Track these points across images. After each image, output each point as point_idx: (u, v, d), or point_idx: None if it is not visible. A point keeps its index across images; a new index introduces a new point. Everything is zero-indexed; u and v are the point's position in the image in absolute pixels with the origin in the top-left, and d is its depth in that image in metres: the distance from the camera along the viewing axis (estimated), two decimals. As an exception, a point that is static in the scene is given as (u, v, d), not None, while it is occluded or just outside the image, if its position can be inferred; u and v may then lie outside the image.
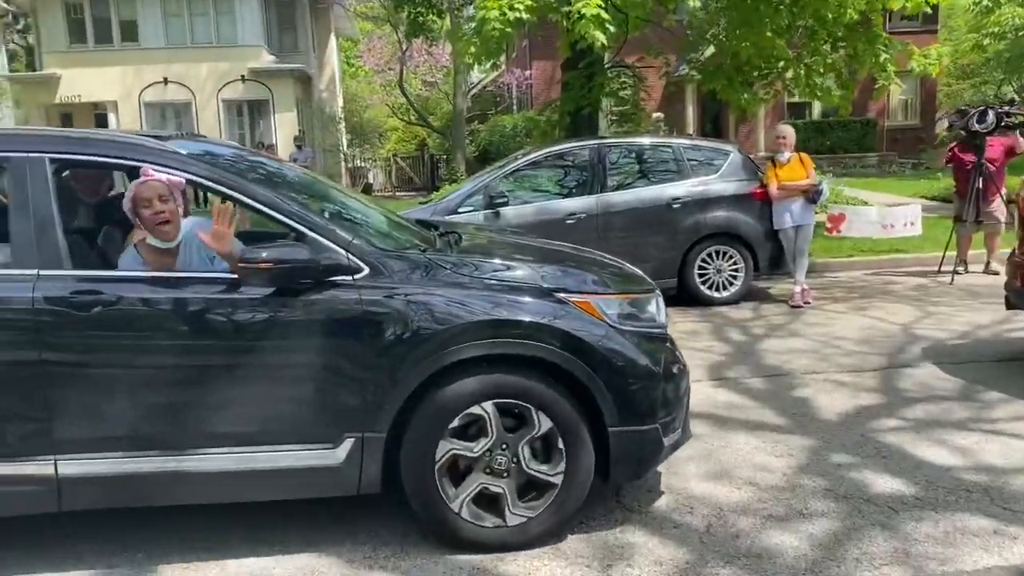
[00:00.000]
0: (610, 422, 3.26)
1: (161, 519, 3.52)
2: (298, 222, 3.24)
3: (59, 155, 3.21)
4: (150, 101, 23.82)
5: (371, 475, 3.22)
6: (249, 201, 3.24)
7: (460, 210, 7.78)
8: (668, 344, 3.57)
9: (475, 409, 3.21)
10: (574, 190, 8.25)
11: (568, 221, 7.83)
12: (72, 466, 3.09)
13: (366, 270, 3.21)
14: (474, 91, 26.29)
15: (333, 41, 28.94)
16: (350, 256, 3.21)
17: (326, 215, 3.42)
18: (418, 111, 25.78)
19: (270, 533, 3.47)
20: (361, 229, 3.51)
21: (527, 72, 25.13)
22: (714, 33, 10.80)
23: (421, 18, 15.22)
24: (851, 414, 4.86)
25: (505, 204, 7.74)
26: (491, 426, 3.23)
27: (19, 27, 31.56)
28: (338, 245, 3.22)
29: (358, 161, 29.05)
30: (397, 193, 25.15)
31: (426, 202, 9.40)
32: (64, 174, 3.86)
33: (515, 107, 27.63)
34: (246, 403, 3.15)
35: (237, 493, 3.26)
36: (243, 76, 23.60)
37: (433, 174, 25.78)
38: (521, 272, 3.40)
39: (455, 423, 3.21)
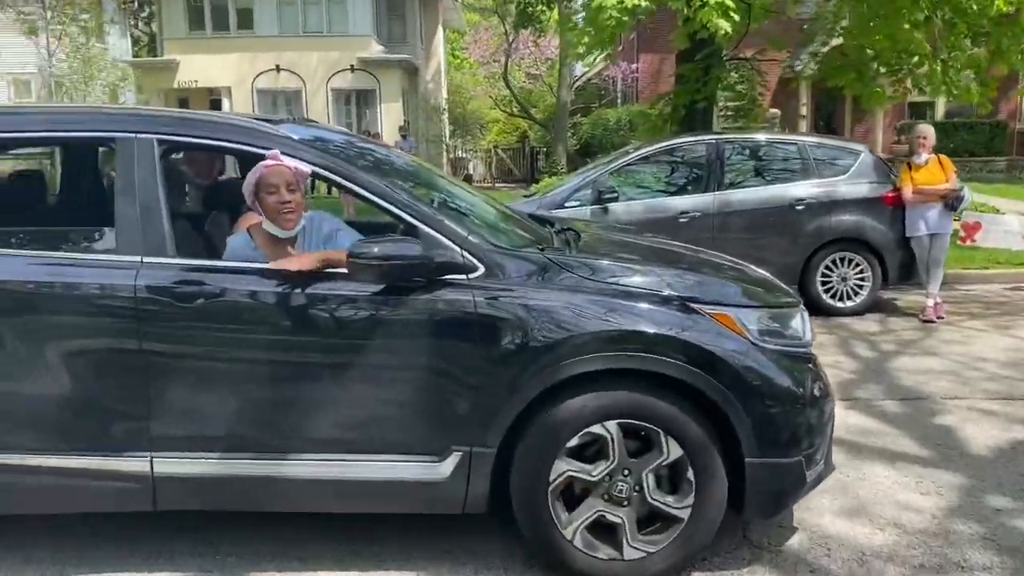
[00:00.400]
0: (748, 452, 2.89)
1: (253, 524, 3.34)
2: (411, 214, 2.99)
3: (167, 136, 3.05)
4: (262, 88, 24.35)
5: (478, 493, 2.95)
6: (360, 190, 3.02)
7: (567, 205, 7.47)
8: (813, 365, 3.17)
9: (596, 428, 2.90)
10: (688, 187, 7.83)
11: (681, 220, 7.42)
12: (168, 464, 2.93)
13: (481, 269, 2.94)
14: (578, 84, 25.90)
15: (440, 32, 29.03)
16: (465, 253, 2.94)
17: (438, 207, 3.16)
18: (521, 103, 25.59)
19: (366, 547, 3.24)
20: (475, 224, 3.24)
21: (633, 65, 24.58)
22: (844, 25, 10.12)
23: (530, 8, 14.94)
24: (1006, 449, 4.33)
25: (615, 200, 7.40)
26: (613, 448, 2.91)
27: (144, 15, 32.89)
28: (452, 241, 2.95)
29: (459, 152, 29.11)
30: (496, 184, 25.04)
31: (530, 195, 9.13)
32: (172, 157, 3.73)
33: (619, 101, 27.11)
34: (348, 407, 2.93)
35: (333, 503, 3.04)
36: (352, 66, 23.86)
37: (532, 166, 25.57)
38: (651, 278, 3.06)
39: (573, 442, 2.91)
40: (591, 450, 2.95)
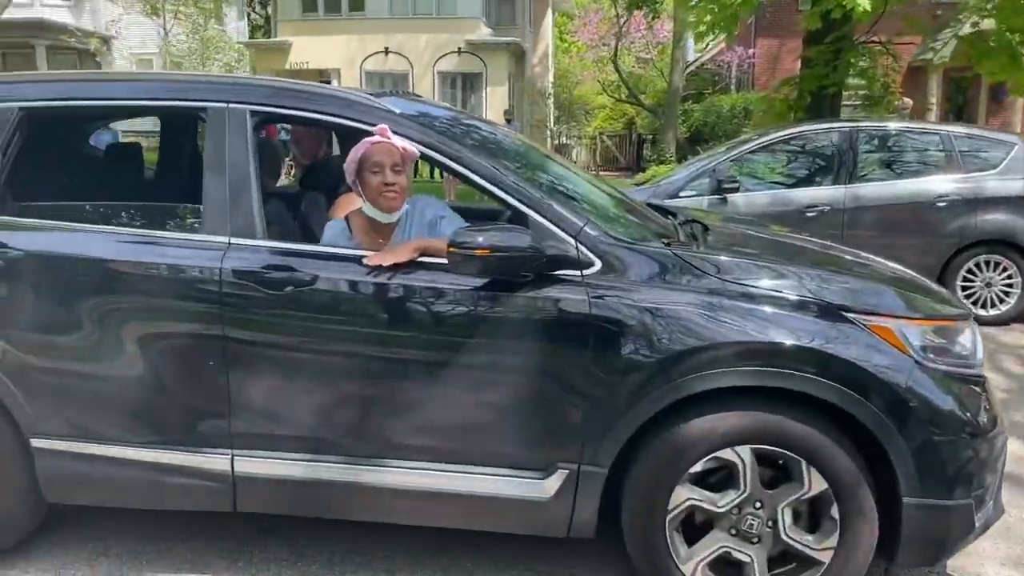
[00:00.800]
0: (906, 491, 2.45)
1: (337, 531, 3.09)
2: (520, 200, 2.66)
3: (261, 107, 2.80)
4: (370, 70, 24.51)
5: (585, 516, 2.61)
6: (464, 171, 2.70)
7: (682, 194, 6.99)
8: (983, 389, 2.68)
9: (726, 453, 2.51)
10: (816, 179, 7.22)
11: (808, 214, 6.84)
12: (249, 464, 2.70)
13: (598, 264, 2.58)
14: (690, 69, 24.99)
15: (550, 15, 28.63)
16: (580, 246, 2.59)
17: (551, 193, 2.81)
18: (630, 88, 24.91)
19: (456, 561, 2.95)
20: (592, 213, 2.88)
21: (750, 50, 23.54)
22: (993, 5, 9.20)
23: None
24: None
25: (736, 190, 6.88)
26: (744, 477, 2.52)
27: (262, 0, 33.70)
28: (566, 232, 2.61)
29: (563, 138, 28.66)
30: (600, 173, 24.51)
31: (641, 183, 8.67)
32: (273, 134, 3.52)
33: (733, 87, 26.09)
34: (443, 413, 2.63)
35: (424, 516, 2.76)
36: (459, 48, 23.74)
37: (638, 154, 24.89)
38: (795, 281, 2.64)
39: (698, 467, 2.53)
40: (718, 477, 2.57)
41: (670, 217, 3.51)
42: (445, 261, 2.53)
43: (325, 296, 2.63)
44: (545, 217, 2.63)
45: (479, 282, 2.56)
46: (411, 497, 2.67)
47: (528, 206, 2.65)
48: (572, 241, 2.60)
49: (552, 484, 2.59)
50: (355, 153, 2.78)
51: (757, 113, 14.15)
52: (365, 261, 2.63)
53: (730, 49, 24.63)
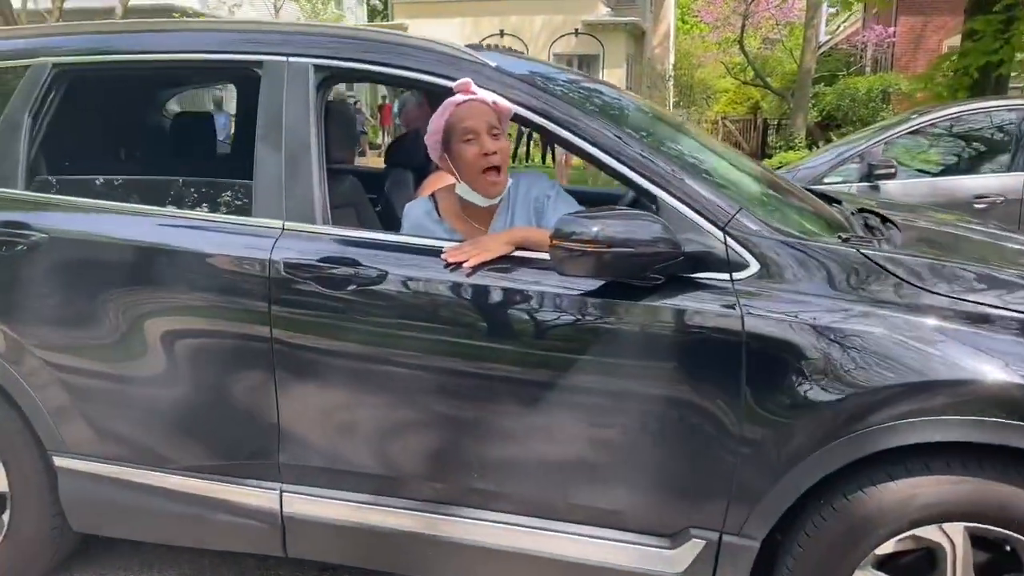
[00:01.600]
0: None
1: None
2: (649, 178, 2.02)
3: (328, 61, 2.26)
4: (486, 53, 24.12)
5: (725, 600, 1.96)
6: (578, 141, 2.08)
7: (827, 180, 6.14)
8: None
9: (928, 531, 1.82)
10: (986, 165, 6.22)
11: (976, 205, 5.86)
12: (301, 503, 2.18)
13: (754, 266, 1.92)
14: (822, 50, 23.42)
15: (672, -6, 27.46)
16: (730, 241, 1.93)
17: (690, 169, 2.14)
18: (757, 70, 23.56)
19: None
20: (743, 196, 2.21)
21: (890, 29, 21.81)
22: None
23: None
24: None
25: (891, 176, 5.97)
26: (953, 565, 1.82)
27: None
28: (712, 221, 1.96)
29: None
30: (723, 159, 23.25)
31: (775, 168, 7.79)
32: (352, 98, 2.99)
33: (868, 68, 24.32)
34: (538, 453, 2.03)
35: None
36: (576, 30, 23.03)
37: (763, 140, 23.52)
38: (1032, 295, 1.90)
39: (887, 547, 1.85)
40: (912, 559, 1.88)
41: (834, 205, 2.78)
42: (546, 256, 1.93)
43: (397, 298, 2.06)
44: (683, 200, 1.98)
45: (591, 286, 1.95)
46: (496, 559, 2.08)
47: (659, 186, 2.00)
48: (719, 234, 1.94)
49: (682, 556, 1.96)
50: (437, 120, 2.19)
51: (915, 94, 12.78)
52: (444, 256, 2.05)
53: (867, 28, 22.96)
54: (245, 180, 2.25)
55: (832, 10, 26.94)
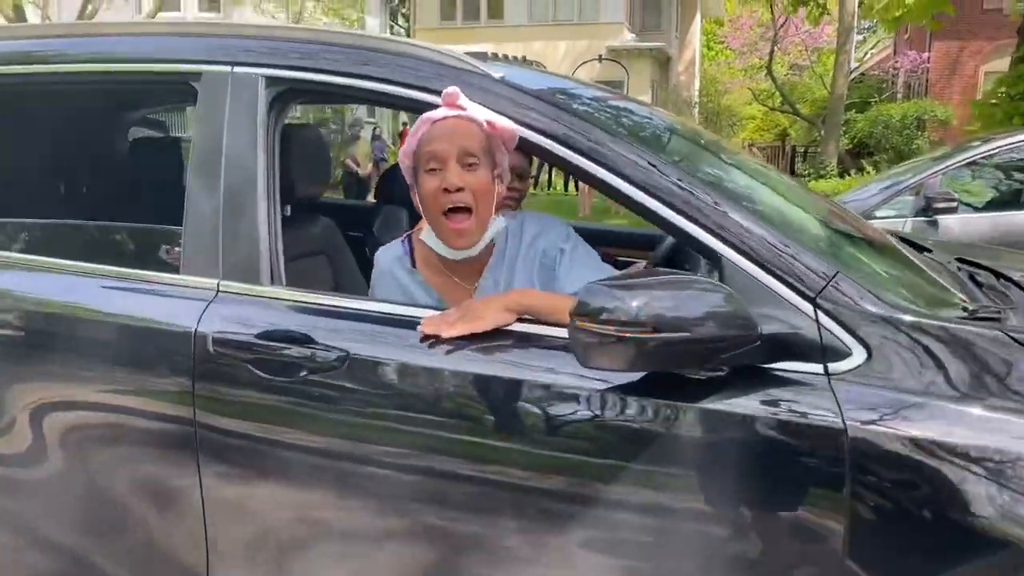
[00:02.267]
0: None
1: None
2: (712, 230, 1.46)
3: (284, 71, 1.73)
4: (508, 79, 23.78)
5: None
6: (617, 180, 1.53)
7: (878, 214, 5.55)
8: None
9: None
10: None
11: (1048, 244, 5.25)
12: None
13: (859, 354, 1.36)
14: (852, 76, 22.85)
15: (698, 20, 27.10)
16: (824, 318, 1.38)
17: (761, 216, 1.58)
18: (786, 96, 23.02)
19: None
20: (832, 252, 1.66)
21: (924, 55, 21.21)
22: None
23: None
24: None
25: (952, 210, 5.38)
26: None
27: (404, 10, 33.82)
28: (798, 291, 1.40)
29: (709, 150, 26.95)
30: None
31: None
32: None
33: (900, 95, 23.68)
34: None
35: None
36: (600, 56, 22.61)
37: (791, 168, 22.93)
38: None
39: None
40: None
41: (924, 253, 2.21)
42: (561, 332, 1.39)
43: (360, 391, 1.52)
44: (757, 260, 1.42)
45: (625, 378, 1.39)
46: None
47: (724, 239, 1.45)
48: (809, 308, 1.38)
49: None
50: (410, 140, 1.67)
51: (951, 121, 12.19)
52: (420, 327, 1.52)
53: (900, 54, 22.41)
54: (175, 226, 1.73)
55: (859, 37, 26.43)
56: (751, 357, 1.36)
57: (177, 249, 1.71)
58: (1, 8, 12.69)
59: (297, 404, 1.54)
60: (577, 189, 13.26)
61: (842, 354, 1.36)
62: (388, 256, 1.79)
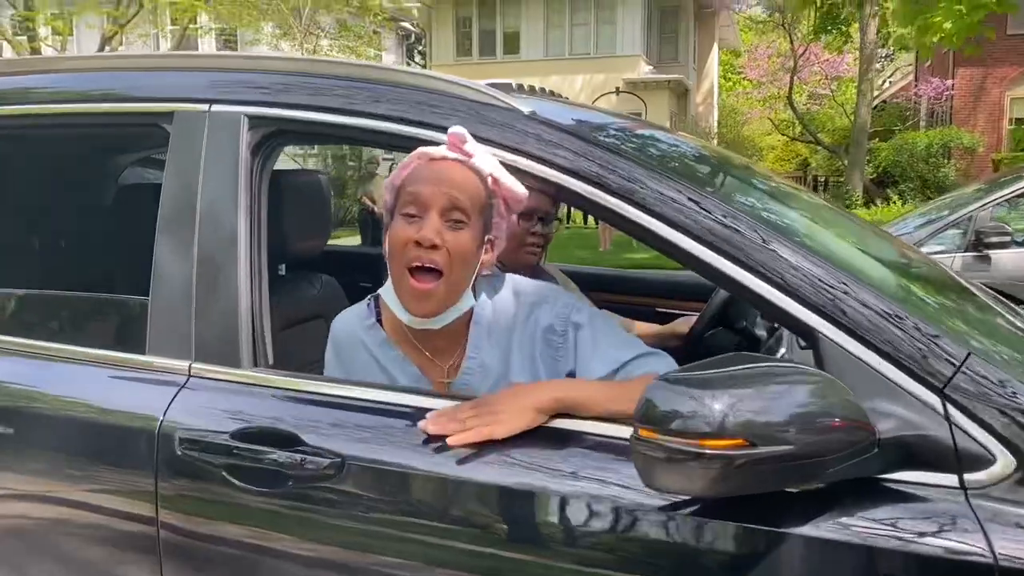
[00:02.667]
0: None
1: None
2: (806, 301, 1.15)
3: (269, 109, 1.45)
4: (525, 114, 23.66)
5: None
6: (681, 239, 1.22)
7: (925, 249, 5.20)
8: None
9: None
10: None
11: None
12: None
13: (1005, 461, 1.04)
14: (874, 104, 22.56)
15: (715, 52, 26.99)
16: (957, 414, 1.06)
17: (871, 279, 1.24)
18: (807, 126, 22.74)
19: None
20: (955, 324, 1.34)
21: (948, 82, 20.88)
22: None
23: (837, 10, 12.50)
24: None
25: (1005, 245, 5.04)
26: None
27: (420, 47, 34.03)
28: (921, 379, 1.08)
29: (729, 181, 26.67)
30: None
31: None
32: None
33: (923, 123, 23.33)
34: None
35: None
36: (617, 88, 22.46)
37: (814, 198, 22.54)
38: None
39: None
40: None
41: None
42: (603, 428, 1.08)
43: (360, 504, 1.21)
44: (864, 338, 1.11)
45: (704, 498, 1.08)
46: None
47: (822, 312, 1.13)
48: (936, 401, 1.07)
49: None
50: (400, 170, 1.37)
51: (978, 149, 11.84)
52: (421, 425, 1.21)
53: (923, 81, 22.08)
54: (141, 297, 1.44)
55: (876, 65, 26.17)
56: (863, 468, 1.04)
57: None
58: (18, 52, 12.71)
59: (280, 518, 1.24)
60: (597, 223, 12.95)
61: (983, 461, 1.05)
62: (350, 323, 1.44)
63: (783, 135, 25.69)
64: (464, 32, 24.13)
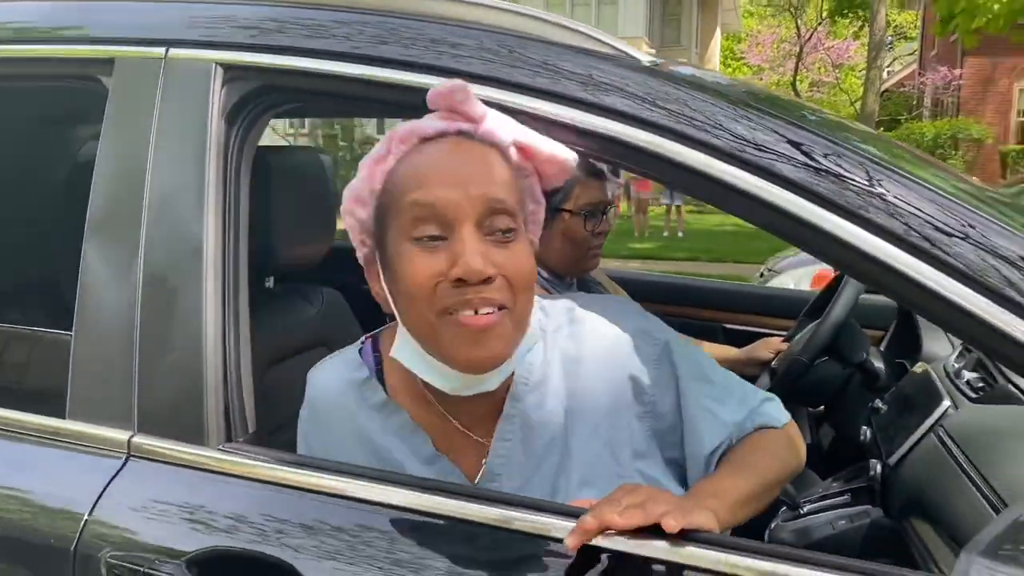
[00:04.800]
0: None
1: None
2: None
3: (248, 54, 0.98)
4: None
5: None
6: (861, 244, 0.78)
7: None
8: None
9: None
10: None
11: None
12: None
13: None
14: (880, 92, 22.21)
15: (718, 36, 26.58)
16: None
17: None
18: (810, 114, 22.38)
19: None
20: None
21: (956, 71, 20.46)
22: None
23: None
24: None
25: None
26: None
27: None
28: None
29: (729, 168, 26.43)
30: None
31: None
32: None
33: (926, 113, 22.95)
34: None
35: None
36: (617, 71, 22.06)
37: (815, 188, 22.21)
38: None
39: None
40: None
41: None
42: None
43: None
44: None
45: None
46: None
47: None
48: None
49: None
50: (376, 165, 0.88)
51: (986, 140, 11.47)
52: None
53: (930, 70, 21.70)
54: (63, 332, 0.98)
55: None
56: None
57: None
58: None
59: None
60: (634, 210, 12.31)
61: None
62: (335, 381, 0.96)
63: (785, 122, 25.34)
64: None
